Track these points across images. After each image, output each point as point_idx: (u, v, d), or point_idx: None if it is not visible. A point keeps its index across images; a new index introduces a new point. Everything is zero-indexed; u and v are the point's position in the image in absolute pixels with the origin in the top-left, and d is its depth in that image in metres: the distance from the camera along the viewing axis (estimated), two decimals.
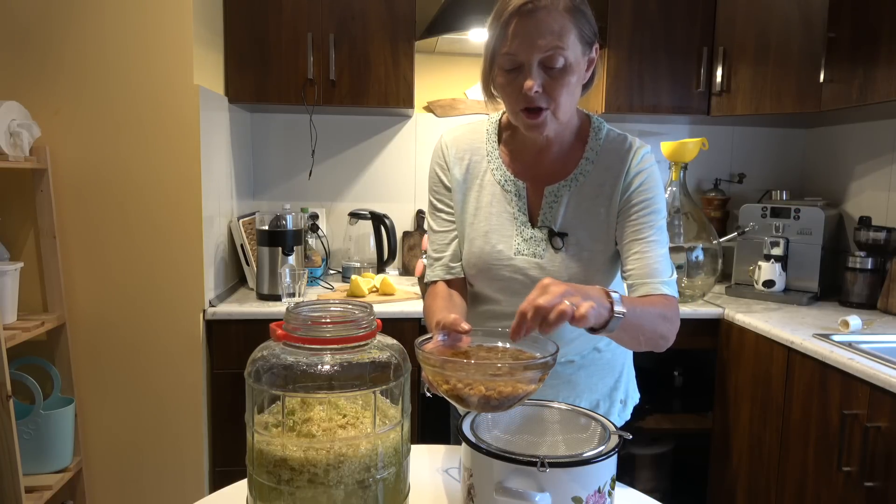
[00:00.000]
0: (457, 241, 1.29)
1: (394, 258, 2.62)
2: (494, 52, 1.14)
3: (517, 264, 1.21)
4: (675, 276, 1.20)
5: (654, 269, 1.15)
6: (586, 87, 1.20)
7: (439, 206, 1.31)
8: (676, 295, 1.17)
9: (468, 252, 1.26)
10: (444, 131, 1.34)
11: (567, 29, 1.10)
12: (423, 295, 1.40)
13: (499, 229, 1.23)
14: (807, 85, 2.25)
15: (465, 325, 0.97)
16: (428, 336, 0.98)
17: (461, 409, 1.34)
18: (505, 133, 1.29)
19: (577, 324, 0.89)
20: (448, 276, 1.28)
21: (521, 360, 0.92)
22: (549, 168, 1.24)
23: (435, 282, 1.29)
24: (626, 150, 1.21)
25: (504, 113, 1.31)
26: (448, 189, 1.30)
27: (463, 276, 1.29)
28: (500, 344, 1.00)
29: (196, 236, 2.02)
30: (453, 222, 1.30)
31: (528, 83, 1.10)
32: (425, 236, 1.36)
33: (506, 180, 1.25)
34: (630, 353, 1.38)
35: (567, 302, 0.87)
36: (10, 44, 1.90)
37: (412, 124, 2.80)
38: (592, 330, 0.98)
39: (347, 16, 2.35)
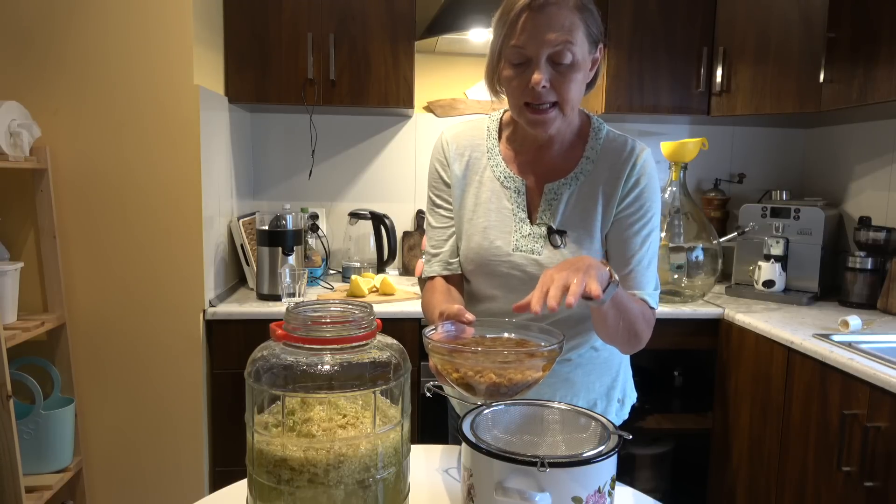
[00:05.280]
0: (455, 237, 1.29)
1: (394, 258, 2.62)
2: (502, 46, 1.14)
3: (515, 260, 1.21)
4: (658, 290, 1.24)
5: (638, 281, 1.20)
6: (589, 86, 1.21)
7: (438, 202, 1.31)
8: (657, 308, 1.21)
9: (466, 248, 1.26)
10: (444, 128, 1.34)
11: (576, 25, 1.11)
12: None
13: (497, 225, 1.23)
14: (807, 85, 2.25)
15: (470, 316, 0.99)
16: (434, 327, 0.99)
17: (459, 409, 1.35)
18: (506, 130, 1.30)
19: (589, 296, 0.92)
20: (445, 272, 1.28)
21: (529, 348, 0.93)
22: (549, 166, 1.25)
23: (432, 277, 1.29)
24: (629, 154, 1.22)
25: (506, 111, 1.31)
26: (447, 185, 1.30)
27: (460, 272, 1.29)
28: (505, 334, 1.02)
29: (196, 236, 2.02)
30: (452, 218, 1.30)
31: (536, 77, 1.10)
32: (425, 236, 1.36)
33: (505, 177, 1.25)
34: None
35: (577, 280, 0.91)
36: (11, 44, 1.90)
37: (412, 124, 2.80)
38: (588, 299, 1.01)
39: (347, 16, 2.35)
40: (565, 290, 0.90)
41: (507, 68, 1.14)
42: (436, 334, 0.98)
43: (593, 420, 0.92)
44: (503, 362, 0.88)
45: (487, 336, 1.03)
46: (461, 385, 0.90)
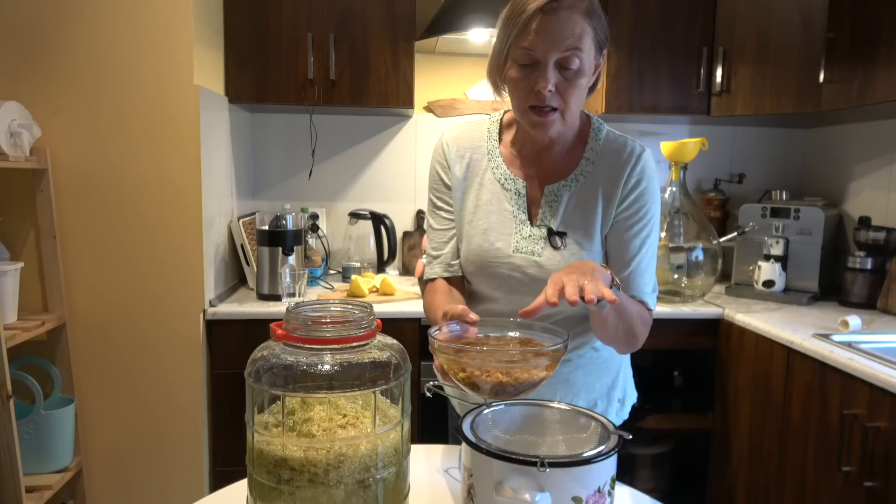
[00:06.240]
0: (455, 239, 1.29)
1: (394, 258, 2.62)
2: (510, 46, 1.14)
3: (515, 262, 1.21)
4: (656, 291, 1.24)
5: (637, 282, 1.21)
6: (590, 91, 1.21)
7: (439, 203, 1.31)
8: (654, 309, 1.22)
9: (467, 249, 1.26)
10: (444, 129, 1.34)
11: (586, 32, 1.11)
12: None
13: (498, 227, 1.24)
14: (807, 85, 2.25)
15: (474, 316, 0.99)
16: (438, 327, 1.00)
17: (459, 409, 1.35)
18: (506, 132, 1.30)
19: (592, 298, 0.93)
20: (446, 274, 1.28)
21: (535, 347, 0.94)
22: (549, 167, 1.25)
23: (433, 279, 1.29)
24: (629, 155, 1.22)
25: (506, 112, 1.31)
26: (448, 187, 1.30)
27: (461, 273, 1.29)
28: (509, 334, 1.02)
29: (196, 236, 2.02)
30: (452, 220, 1.30)
31: (543, 82, 1.10)
32: (425, 236, 1.36)
33: (506, 179, 1.25)
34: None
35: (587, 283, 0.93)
36: (11, 43, 1.90)
37: (412, 124, 2.80)
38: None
39: (347, 16, 2.35)
40: (580, 289, 0.91)
41: (514, 68, 1.14)
42: (441, 334, 0.98)
43: (593, 420, 0.92)
44: (509, 361, 0.89)
45: (492, 336, 1.03)
46: (467, 385, 0.91)
